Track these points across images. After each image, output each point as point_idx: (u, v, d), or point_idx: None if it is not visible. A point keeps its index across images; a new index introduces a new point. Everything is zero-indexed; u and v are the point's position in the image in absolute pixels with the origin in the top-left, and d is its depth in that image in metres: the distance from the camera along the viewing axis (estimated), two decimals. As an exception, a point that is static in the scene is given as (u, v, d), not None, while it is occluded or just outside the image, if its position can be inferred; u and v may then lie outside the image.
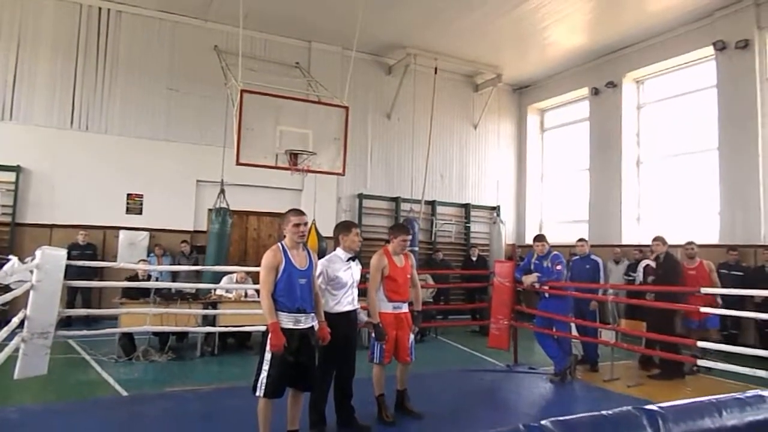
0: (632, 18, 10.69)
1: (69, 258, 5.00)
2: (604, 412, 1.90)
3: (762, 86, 9.54)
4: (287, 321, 3.73)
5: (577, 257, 7.64)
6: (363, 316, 4.68)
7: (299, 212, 3.96)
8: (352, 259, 4.47)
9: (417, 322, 4.99)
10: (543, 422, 1.80)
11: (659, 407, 1.97)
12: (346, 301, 4.37)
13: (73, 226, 9.89)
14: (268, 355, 3.71)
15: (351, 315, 4.41)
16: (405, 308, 4.87)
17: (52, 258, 4.59)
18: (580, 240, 7.71)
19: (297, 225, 3.88)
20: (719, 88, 10.19)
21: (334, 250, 4.50)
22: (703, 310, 5.70)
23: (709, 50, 10.29)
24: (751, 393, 2.24)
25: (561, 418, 1.78)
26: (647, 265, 7.56)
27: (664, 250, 6.90)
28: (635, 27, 11.03)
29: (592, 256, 7.51)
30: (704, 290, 5.77)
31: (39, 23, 10.21)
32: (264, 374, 3.70)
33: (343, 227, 4.55)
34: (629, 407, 1.95)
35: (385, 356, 4.67)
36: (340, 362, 4.36)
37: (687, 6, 10.06)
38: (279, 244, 3.91)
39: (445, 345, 9.14)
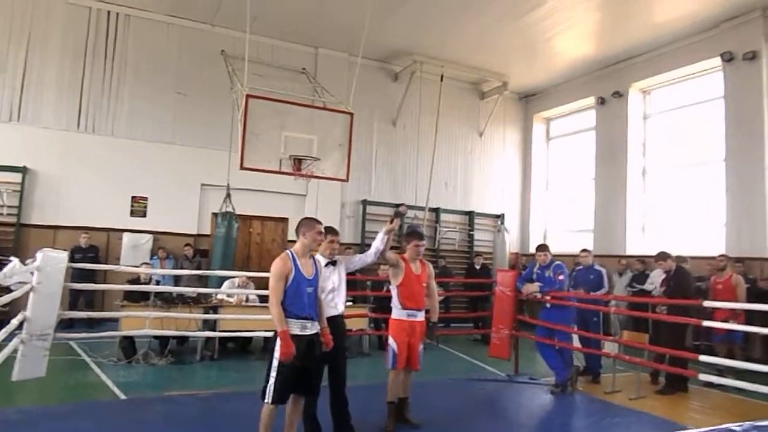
0: (639, 28, 10.66)
1: (72, 261, 5.01)
2: None
3: (769, 98, 9.49)
4: (294, 327, 3.77)
5: (581, 267, 7.60)
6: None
7: (319, 221, 4.07)
8: (332, 263, 4.42)
9: (431, 332, 4.97)
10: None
11: None
12: (329, 307, 4.29)
13: (77, 227, 9.92)
14: (276, 362, 3.72)
15: (336, 320, 4.34)
16: (420, 317, 4.86)
17: (52, 260, 4.60)
18: (584, 251, 7.67)
19: (321, 233, 4.01)
20: (726, 99, 10.14)
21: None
22: (706, 324, 5.64)
23: (717, 61, 10.25)
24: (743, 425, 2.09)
25: None
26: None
27: (673, 265, 6.84)
28: (642, 37, 11.00)
29: (596, 266, 7.47)
30: (706, 304, 5.73)
31: (48, 26, 10.30)
32: (272, 380, 3.72)
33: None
34: None
35: (398, 362, 4.68)
36: (329, 370, 4.32)
37: (694, 17, 10.03)
38: (288, 252, 3.91)
39: (446, 353, 9.09)
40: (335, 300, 4.39)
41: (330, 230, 4.38)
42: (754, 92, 9.61)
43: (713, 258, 8.61)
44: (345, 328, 4.58)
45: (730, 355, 6.96)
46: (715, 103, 10.54)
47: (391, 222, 4.59)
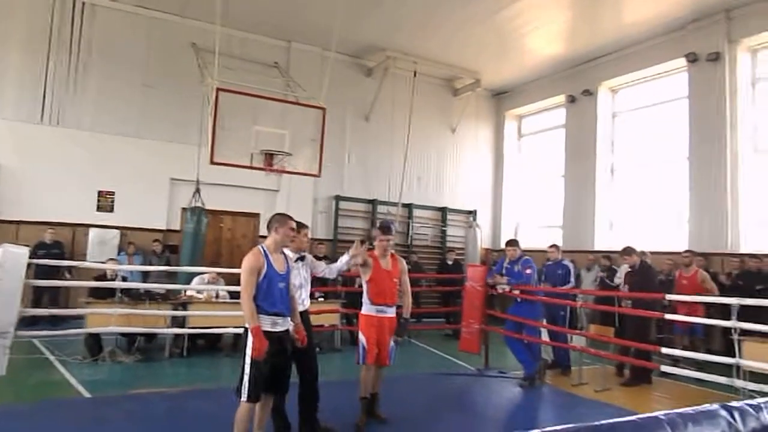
0: (608, 28, 10.87)
1: (35, 257, 4.88)
2: None
3: (731, 98, 9.77)
4: (265, 323, 3.73)
5: (550, 262, 7.74)
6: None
7: (291, 218, 4.03)
8: (301, 259, 4.46)
9: (402, 330, 4.95)
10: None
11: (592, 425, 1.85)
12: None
13: (41, 222, 9.63)
14: (248, 359, 3.69)
15: (302, 316, 4.32)
16: (390, 312, 4.84)
17: (13, 256, 4.47)
18: (552, 246, 7.81)
19: (293, 229, 3.97)
20: (690, 99, 10.42)
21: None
22: (669, 317, 5.81)
23: (682, 62, 10.51)
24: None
25: None
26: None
27: (638, 260, 7.01)
28: (611, 37, 11.22)
29: (564, 261, 7.63)
30: (669, 297, 5.90)
31: (10, 14, 9.96)
32: (246, 378, 3.68)
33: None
34: (564, 426, 1.83)
35: (367, 357, 4.67)
36: (299, 366, 4.31)
37: (661, 18, 10.26)
38: (260, 247, 3.88)
39: (417, 348, 9.14)
40: (302, 296, 4.41)
41: (299, 225, 4.37)
42: (716, 92, 9.88)
43: (675, 253, 8.88)
44: (310, 324, 4.58)
45: (692, 347, 7.20)
46: (680, 103, 10.81)
47: (361, 244, 4.61)
